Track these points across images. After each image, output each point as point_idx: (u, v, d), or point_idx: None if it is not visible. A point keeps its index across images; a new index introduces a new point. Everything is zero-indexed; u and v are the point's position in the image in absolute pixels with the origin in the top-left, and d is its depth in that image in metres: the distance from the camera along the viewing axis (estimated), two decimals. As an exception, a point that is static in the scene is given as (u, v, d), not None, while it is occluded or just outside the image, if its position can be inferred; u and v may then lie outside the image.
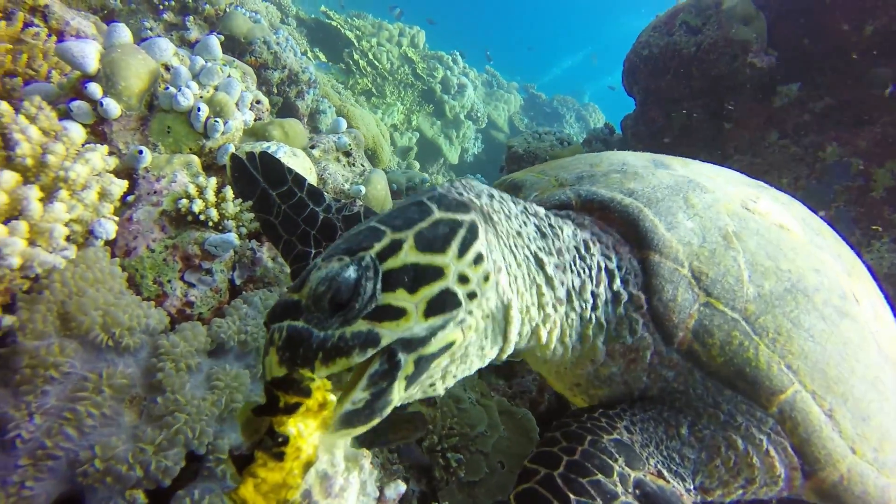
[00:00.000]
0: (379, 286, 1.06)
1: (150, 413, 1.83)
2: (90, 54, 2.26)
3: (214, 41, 2.72)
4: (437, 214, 1.14)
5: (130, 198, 2.16)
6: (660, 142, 5.66)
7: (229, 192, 2.23)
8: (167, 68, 2.53)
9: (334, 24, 12.38)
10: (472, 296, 1.14)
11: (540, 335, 1.35)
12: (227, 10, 7.07)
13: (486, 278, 1.17)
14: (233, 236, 2.12)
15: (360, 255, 1.06)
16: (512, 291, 1.25)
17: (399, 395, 1.12)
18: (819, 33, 4.69)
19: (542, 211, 1.42)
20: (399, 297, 1.07)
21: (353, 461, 1.52)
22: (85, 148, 1.72)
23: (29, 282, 1.72)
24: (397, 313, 1.07)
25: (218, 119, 2.36)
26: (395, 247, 1.08)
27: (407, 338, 1.07)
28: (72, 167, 1.60)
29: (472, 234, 1.16)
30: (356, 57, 12.27)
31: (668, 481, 1.30)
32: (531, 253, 1.32)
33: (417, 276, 1.08)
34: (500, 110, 15.11)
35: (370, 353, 1.06)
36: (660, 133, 5.69)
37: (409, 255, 1.08)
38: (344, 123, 3.09)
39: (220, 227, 2.18)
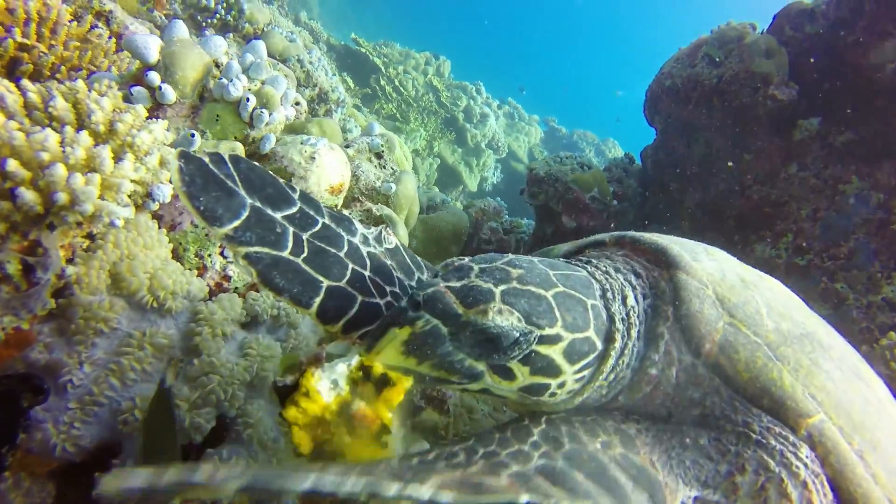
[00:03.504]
0: (520, 356, 1.24)
1: (186, 374, 1.92)
2: (152, 46, 2.45)
3: (262, 44, 2.91)
4: (591, 333, 1.31)
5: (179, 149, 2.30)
6: (680, 170, 5.76)
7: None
8: (217, 65, 2.71)
9: (363, 50, 12.84)
10: (560, 386, 1.33)
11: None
12: (265, 29, 7.44)
13: (579, 381, 1.35)
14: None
15: (532, 330, 1.22)
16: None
17: None
18: (840, 69, 4.81)
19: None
20: (521, 370, 1.26)
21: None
22: (149, 122, 1.86)
23: (88, 241, 1.85)
24: (509, 376, 1.27)
25: (264, 110, 2.52)
26: (553, 340, 1.25)
27: (493, 391, 1.31)
28: (138, 134, 1.74)
29: (591, 360, 1.33)
30: (383, 83, 12.65)
31: (658, 471, 1.29)
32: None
33: (543, 368, 1.27)
34: (521, 141, 15.37)
35: (465, 383, 1.27)
36: (680, 161, 5.79)
37: (554, 352, 1.26)
38: (378, 127, 3.24)
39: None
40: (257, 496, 0.86)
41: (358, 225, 1.58)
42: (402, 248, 1.71)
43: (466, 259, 1.34)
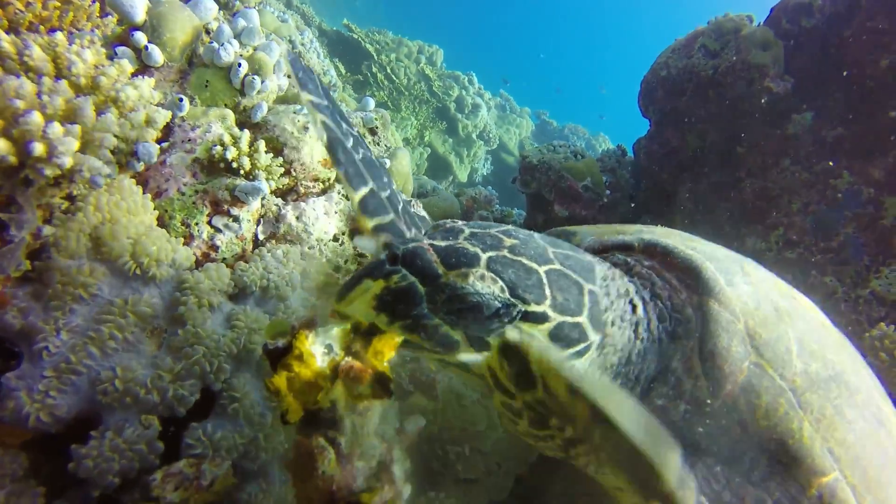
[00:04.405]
0: (499, 330, 1.16)
1: (170, 344, 1.83)
2: (138, 4, 2.34)
3: (254, 11, 2.80)
4: (583, 320, 1.21)
5: (165, 144, 2.20)
6: (674, 161, 5.74)
7: (262, 145, 2.27)
8: (207, 31, 2.60)
9: (355, 36, 12.65)
10: None
11: None
12: (257, 7, 7.27)
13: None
14: (263, 184, 2.15)
15: (514, 304, 1.14)
16: None
17: None
18: (835, 64, 4.81)
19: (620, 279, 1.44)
20: (496, 345, 1.18)
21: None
22: (135, 78, 1.76)
23: (68, 202, 1.75)
24: (486, 348, 1.19)
25: (256, 77, 2.42)
26: (538, 318, 1.17)
27: (470, 367, 1.23)
28: (123, 89, 1.64)
29: (583, 350, 1.24)
30: (375, 70, 12.49)
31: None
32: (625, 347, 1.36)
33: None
34: (512, 134, 15.31)
35: (439, 352, 1.18)
36: (674, 153, 5.77)
37: (539, 333, 1.17)
38: (372, 102, 3.15)
39: (252, 178, 2.22)
40: None
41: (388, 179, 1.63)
42: (428, 218, 1.67)
43: (460, 222, 1.27)
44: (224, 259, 2.17)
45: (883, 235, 4.50)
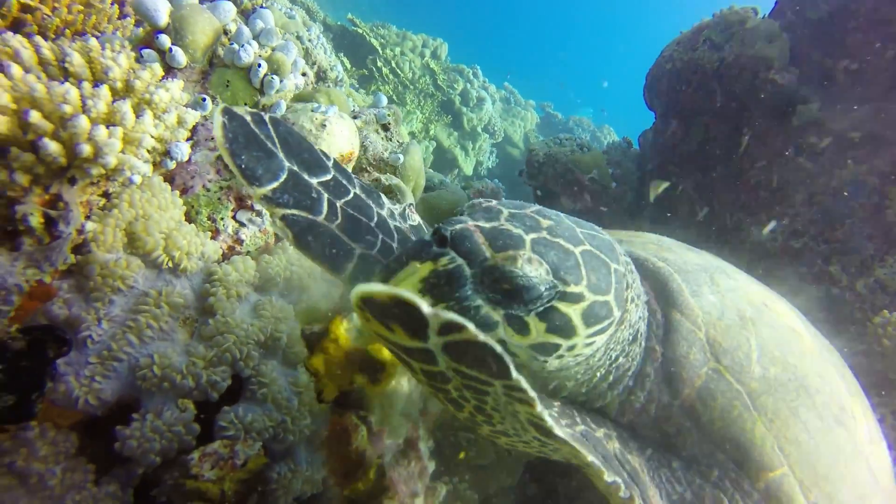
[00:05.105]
0: (539, 310, 1.19)
1: (201, 333, 1.94)
2: (162, 8, 2.42)
3: (269, 12, 2.88)
4: (610, 298, 1.26)
5: (190, 143, 2.30)
6: (679, 153, 5.80)
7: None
8: (226, 32, 2.69)
9: (360, 31, 12.68)
10: (569, 349, 1.29)
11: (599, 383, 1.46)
12: (264, 4, 7.33)
13: (589, 346, 1.31)
14: (286, 181, 2.24)
15: (556, 284, 1.17)
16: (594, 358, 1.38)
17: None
18: (840, 55, 4.85)
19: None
20: (537, 326, 1.21)
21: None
22: (165, 80, 1.86)
23: (104, 199, 1.85)
24: (524, 330, 1.21)
25: (275, 76, 2.51)
26: (575, 298, 1.20)
27: (507, 346, 1.24)
28: (156, 92, 1.74)
29: (607, 326, 1.29)
30: (379, 64, 12.53)
31: (644, 475, 1.34)
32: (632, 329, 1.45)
33: (560, 327, 1.22)
34: (517, 126, 15.33)
35: (477, 334, 1.20)
36: (679, 145, 5.83)
37: (573, 311, 1.21)
38: (384, 99, 3.23)
39: (273, 174, 2.31)
40: None
41: (385, 199, 1.62)
42: (423, 225, 1.74)
43: (494, 201, 1.28)
44: (249, 252, 2.27)
45: (888, 225, 4.55)
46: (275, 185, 1.26)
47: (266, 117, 1.35)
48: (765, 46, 5.03)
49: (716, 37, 5.42)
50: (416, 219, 1.70)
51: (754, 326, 1.53)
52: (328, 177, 1.43)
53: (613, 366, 1.41)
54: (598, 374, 1.40)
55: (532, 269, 1.13)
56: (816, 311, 4.31)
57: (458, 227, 1.16)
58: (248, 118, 1.31)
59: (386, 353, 1.58)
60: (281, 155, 1.31)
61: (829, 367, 1.62)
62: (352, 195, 1.47)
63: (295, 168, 1.33)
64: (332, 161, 1.49)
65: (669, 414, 1.44)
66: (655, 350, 1.47)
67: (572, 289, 1.19)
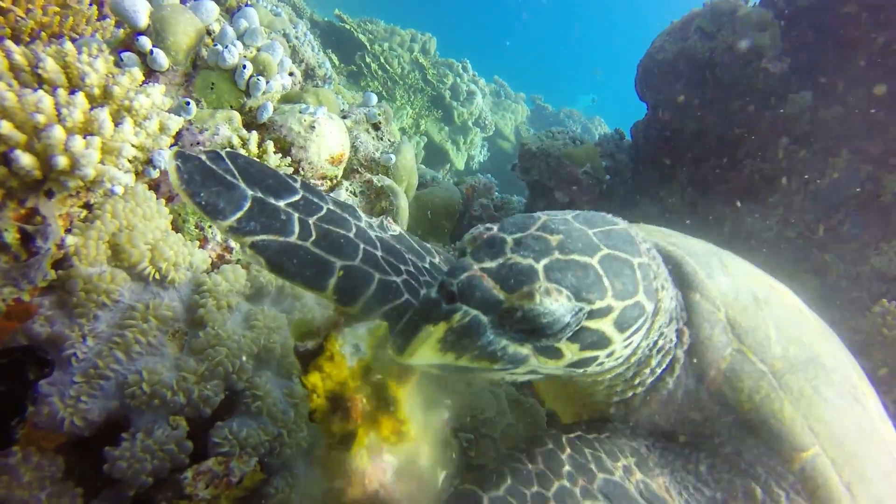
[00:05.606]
0: (569, 335, 1.14)
1: (191, 346, 1.87)
2: (141, 10, 2.34)
3: (253, 11, 2.80)
4: (640, 297, 1.20)
5: (174, 149, 2.22)
6: (672, 144, 5.77)
7: (271, 146, 2.30)
8: (209, 33, 2.61)
9: (347, 27, 12.55)
10: (608, 356, 1.24)
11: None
12: (249, 2, 7.21)
13: (628, 346, 1.27)
14: (275, 185, 2.18)
15: (581, 307, 1.11)
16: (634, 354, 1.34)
17: None
18: (832, 43, 4.82)
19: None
20: (570, 348, 1.17)
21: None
22: (146, 85, 1.78)
23: (85, 211, 1.78)
24: (556, 356, 1.17)
25: (261, 77, 2.44)
26: (604, 313, 1.14)
27: (539, 371, 1.21)
28: (136, 97, 1.66)
29: (642, 324, 1.24)
30: (368, 60, 12.42)
31: (673, 499, 1.33)
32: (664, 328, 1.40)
33: (594, 343, 1.17)
34: (507, 120, 15.27)
35: (509, 369, 1.16)
36: (672, 136, 5.79)
37: (604, 324, 1.16)
38: (374, 98, 3.16)
39: (262, 179, 2.24)
40: None
41: (361, 213, 1.57)
42: (406, 234, 1.69)
43: (495, 227, 1.21)
44: (238, 260, 2.20)
45: (882, 212, 4.54)
46: (239, 214, 1.21)
47: (223, 152, 1.31)
48: (756, 35, 4.99)
49: (707, 26, 5.38)
50: (395, 228, 1.65)
51: (768, 307, 1.51)
52: (297, 197, 1.38)
53: (654, 350, 1.37)
54: (640, 359, 1.38)
55: (552, 301, 1.06)
56: (812, 300, 4.29)
57: (463, 277, 1.09)
58: (203, 157, 1.26)
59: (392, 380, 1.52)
60: (243, 185, 1.27)
61: (835, 348, 1.61)
62: (325, 210, 1.42)
63: (259, 195, 1.29)
64: (299, 182, 1.44)
65: (696, 399, 1.40)
66: (684, 332, 1.42)
67: (598, 304, 1.12)
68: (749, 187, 5.21)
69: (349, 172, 2.82)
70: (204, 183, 1.21)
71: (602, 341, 1.17)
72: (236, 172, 1.30)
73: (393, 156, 2.85)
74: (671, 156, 5.81)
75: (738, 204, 5.22)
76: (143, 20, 2.34)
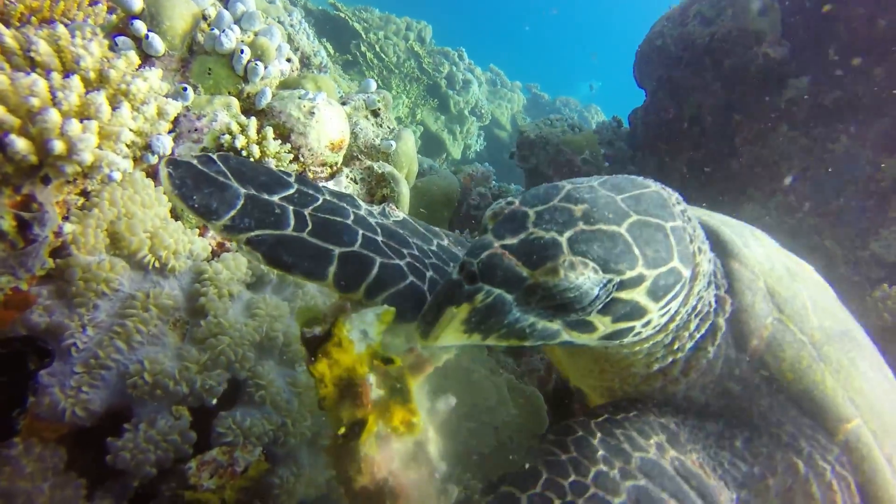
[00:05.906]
0: (599, 308, 1.09)
1: (193, 336, 1.85)
2: (135, -8, 2.28)
3: (250, -5, 2.74)
4: (675, 263, 1.14)
5: (172, 135, 2.18)
6: (670, 131, 5.73)
7: (270, 132, 2.26)
8: (205, 17, 2.55)
9: (342, 15, 12.40)
10: (644, 325, 1.20)
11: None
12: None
13: (665, 314, 1.22)
14: (275, 172, 2.14)
15: (610, 279, 1.05)
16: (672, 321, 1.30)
17: None
18: (831, 27, 4.78)
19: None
20: (602, 321, 1.13)
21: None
22: (142, 69, 1.74)
23: (83, 198, 1.74)
24: (588, 329, 1.13)
25: (259, 62, 2.39)
26: (635, 282, 1.09)
27: (574, 344, 1.18)
28: (133, 81, 1.62)
29: (679, 290, 1.19)
30: (363, 49, 12.29)
31: (708, 476, 1.30)
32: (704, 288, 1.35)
33: (627, 314, 1.13)
34: (504, 108, 15.19)
35: (539, 344, 1.13)
36: (671, 123, 5.76)
37: (638, 294, 1.11)
38: (373, 84, 3.12)
39: (261, 166, 2.21)
40: None
41: (361, 202, 1.54)
42: (410, 218, 1.67)
43: (517, 201, 1.14)
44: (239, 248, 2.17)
45: (882, 197, 4.54)
46: (232, 212, 1.20)
47: (214, 155, 1.30)
48: (757, 19, 4.95)
49: (706, 11, 5.33)
50: (399, 214, 1.62)
51: (801, 280, 1.49)
52: (291, 191, 1.37)
53: (693, 314, 1.33)
54: (679, 324, 1.33)
55: (577, 275, 1.01)
56: (812, 285, 4.29)
57: (484, 256, 1.04)
58: (195, 161, 1.25)
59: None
60: (235, 184, 1.26)
61: (860, 326, 1.61)
62: (321, 201, 1.40)
63: (252, 192, 1.27)
64: (293, 176, 1.43)
65: (736, 368, 1.37)
66: (726, 300, 1.38)
67: (629, 275, 1.07)
68: (748, 173, 5.19)
69: (349, 159, 2.78)
70: (196, 186, 1.20)
71: (636, 311, 1.13)
72: (228, 173, 1.29)
73: (393, 142, 2.81)
74: (669, 142, 5.78)
75: (737, 190, 5.20)
76: (138, 4, 2.28)
